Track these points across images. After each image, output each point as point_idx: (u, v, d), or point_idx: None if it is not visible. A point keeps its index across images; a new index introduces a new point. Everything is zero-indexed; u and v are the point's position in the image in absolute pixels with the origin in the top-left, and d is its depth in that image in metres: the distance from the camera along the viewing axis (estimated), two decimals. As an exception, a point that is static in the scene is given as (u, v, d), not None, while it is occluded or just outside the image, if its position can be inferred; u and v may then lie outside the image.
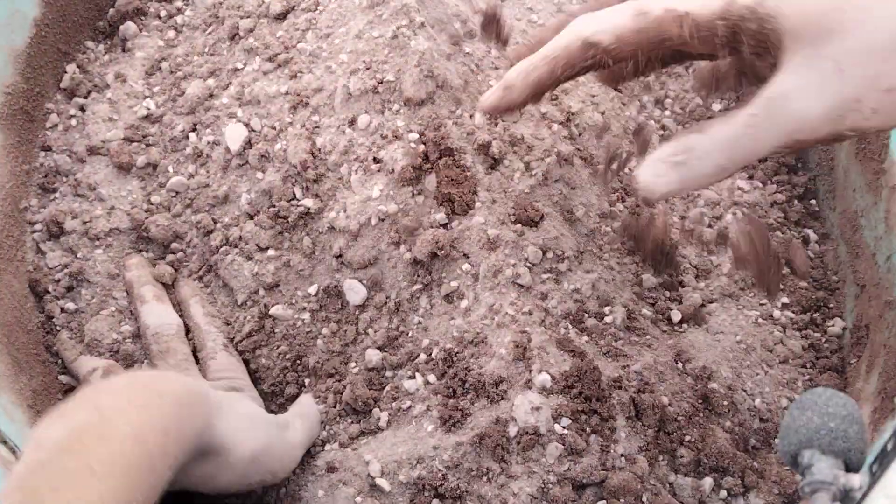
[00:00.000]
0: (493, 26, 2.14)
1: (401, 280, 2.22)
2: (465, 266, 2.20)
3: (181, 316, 2.06)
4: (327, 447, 2.13)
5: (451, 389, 2.07)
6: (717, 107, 2.83)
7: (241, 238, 2.45)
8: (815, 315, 2.39)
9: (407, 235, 2.19)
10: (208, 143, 2.62)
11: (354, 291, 2.29)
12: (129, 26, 3.05)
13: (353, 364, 2.22)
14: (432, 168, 2.27)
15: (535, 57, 1.51)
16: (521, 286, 2.16)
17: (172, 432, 1.21)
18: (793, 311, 2.41)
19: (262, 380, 2.27)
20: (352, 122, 2.42)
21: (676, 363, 2.23)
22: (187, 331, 2.10)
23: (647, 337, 2.25)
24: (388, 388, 2.16)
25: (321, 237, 2.36)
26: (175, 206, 2.61)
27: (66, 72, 2.88)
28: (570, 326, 2.15)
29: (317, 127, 2.43)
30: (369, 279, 2.25)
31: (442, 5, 2.55)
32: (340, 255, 2.33)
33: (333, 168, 2.36)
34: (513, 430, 1.97)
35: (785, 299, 2.41)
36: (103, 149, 2.72)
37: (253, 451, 1.57)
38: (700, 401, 2.14)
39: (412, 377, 2.14)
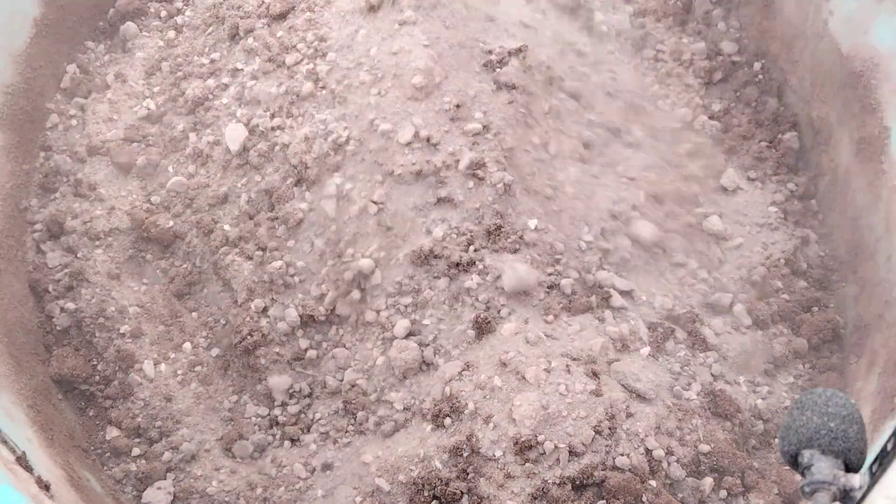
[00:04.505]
0: None
1: (400, 279, 2.23)
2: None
3: None
4: (326, 447, 2.14)
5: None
6: (716, 106, 2.83)
7: (240, 238, 2.45)
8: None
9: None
10: (208, 143, 2.63)
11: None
12: (130, 26, 3.05)
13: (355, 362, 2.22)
14: (437, 172, 2.29)
15: None
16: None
17: None
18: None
19: (262, 380, 2.28)
20: (352, 123, 2.43)
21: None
22: None
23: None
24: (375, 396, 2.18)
25: (321, 237, 2.37)
26: (175, 206, 2.61)
27: (66, 72, 2.90)
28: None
29: (318, 127, 2.43)
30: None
31: (447, 12, 2.56)
32: (340, 256, 2.33)
33: (334, 168, 2.37)
34: (512, 430, 1.98)
35: (785, 296, 2.41)
36: (103, 149, 2.73)
37: None
38: (702, 399, 2.15)
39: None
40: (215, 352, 2.31)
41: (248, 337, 2.23)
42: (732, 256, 2.46)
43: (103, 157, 2.60)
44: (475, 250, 2.17)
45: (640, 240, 2.37)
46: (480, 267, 2.16)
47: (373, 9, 2.49)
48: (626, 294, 2.25)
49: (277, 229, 2.30)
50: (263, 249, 2.29)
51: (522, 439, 1.89)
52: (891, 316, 2.12)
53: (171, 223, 2.45)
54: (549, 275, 2.19)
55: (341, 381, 2.17)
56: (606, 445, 1.91)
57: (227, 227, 2.37)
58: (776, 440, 1.86)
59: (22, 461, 1.73)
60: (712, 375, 2.19)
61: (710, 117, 2.78)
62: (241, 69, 2.60)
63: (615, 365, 2.06)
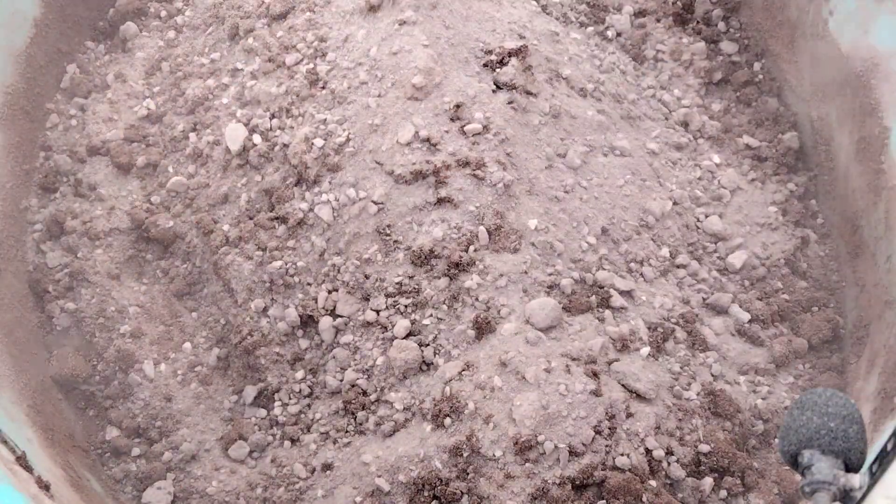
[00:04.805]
0: None
1: (400, 279, 2.23)
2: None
3: None
4: (326, 447, 2.14)
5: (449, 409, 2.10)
6: (716, 106, 2.83)
7: (240, 238, 2.45)
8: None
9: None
10: (208, 143, 2.63)
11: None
12: (130, 26, 3.05)
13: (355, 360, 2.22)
14: (437, 172, 2.29)
15: None
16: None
17: None
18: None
19: (262, 379, 2.28)
20: (352, 123, 2.43)
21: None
22: None
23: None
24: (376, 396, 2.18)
25: (321, 237, 2.37)
26: (175, 206, 2.61)
27: (66, 72, 2.90)
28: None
29: (318, 127, 2.44)
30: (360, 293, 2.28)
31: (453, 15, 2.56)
32: (340, 254, 2.34)
33: (334, 168, 2.37)
34: (512, 430, 1.98)
35: (785, 296, 2.41)
36: (103, 149, 2.73)
37: None
38: (702, 399, 2.15)
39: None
40: (215, 352, 2.31)
41: (248, 337, 2.24)
42: (732, 256, 2.46)
43: (103, 157, 2.60)
44: (475, 250, 2.17)
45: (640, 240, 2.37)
46: (480, 267, 2.16)
47: (373, 9, 2.49)
48: (626, 294, 2.25)
49: (277, 229, 2.30)
50: (263, 249, 2.29)
51: (522, 439, 1.89)
52: (891, 316, 2.12)
53: (171, 223, 2.45)
54: (549, 275, 2.20)
55: (341, 381, 2.17)
56: (606, 445, 1.92)
57: (227, 227, 2.37)
58: (776, 440, 1.86)
59: (22, 461, 1.73)
60: (712, 375, 2.19)
61: (711, 117, 2.78)
62: (241, 69, 2.60)
63: (615, 365, 2.06)
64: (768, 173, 2.66)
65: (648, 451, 1.96)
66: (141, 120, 2.68)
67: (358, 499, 1.96)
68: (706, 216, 2.53)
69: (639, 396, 2.03)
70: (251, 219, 2.36)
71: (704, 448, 2.01)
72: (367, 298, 2.20)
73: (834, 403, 1.27)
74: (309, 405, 2.20)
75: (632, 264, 2.34)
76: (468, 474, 1.92)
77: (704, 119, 2.75)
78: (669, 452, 1.98)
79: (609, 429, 1.94)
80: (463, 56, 2.43)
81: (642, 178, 2.48)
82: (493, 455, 1.91)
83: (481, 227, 2.19)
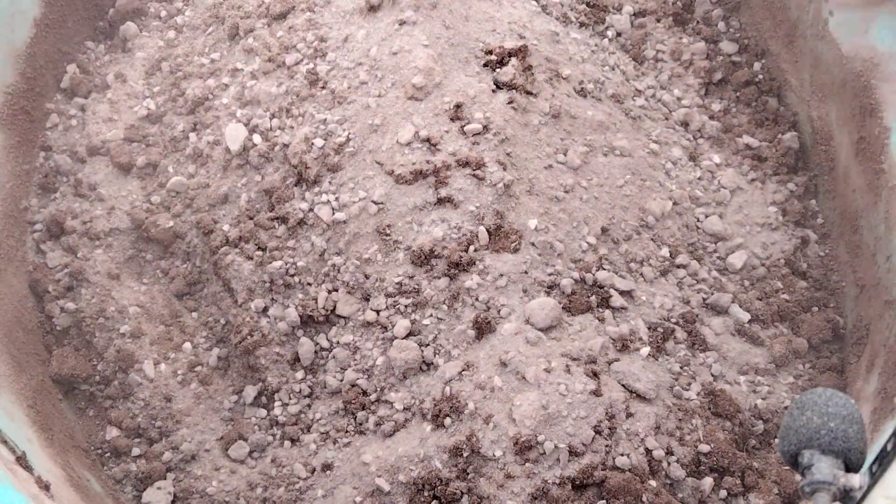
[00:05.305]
0: None
1: (400, 279, 2.23)
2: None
3: None
4: (326, 447, 2.14)
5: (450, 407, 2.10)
6: (716, 106, 2.83)
7: (240, 238, 2.45)
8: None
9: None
10: (208, 143, 2.63)
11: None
12: (130, 26, 3.05)
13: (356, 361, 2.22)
14: (437, 172, 2.29)
15: None
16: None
17: None
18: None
19: (262, 379, 2.28)
20: (352, 123, 2.44)
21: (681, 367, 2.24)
22: None
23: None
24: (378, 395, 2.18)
25: (321, 237, 2.37)
26: (175, 206, 2.61)
27: (66, 72, 2.90)
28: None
29: (318, 127, 2.44)
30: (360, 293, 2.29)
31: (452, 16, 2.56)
32: (340, 254, 2.34)
33: (334, 168, 2.37)
34: (512, 430, 1.98)
35: (785, 296, 2.41)
36: (103, 149, 2.73)
37: None
38: (702, 399, 2.15)
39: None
40: (215, 352, 2.31)
41: (248, 337, 2.23)
42: (732, 256, 2.46)
43: (103, 157, 2.60)
44: (475, 250, 2.17)
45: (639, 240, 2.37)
46: (480, 267, 2.16)
47: (373, 9, 2.49)
48: (626, 294, 2.25)
49: (277, 229, 2.31)
50: (263, 249, 2.29)
51: (522, 439, 1.89)
52: (891, 316, 2.12)
53: (171, 223, 2.45)
54: (549, 275, 2.20)
55: (341, 381, 2.17)
56: (606, 445, 1.92)
57: (227, 227, 2.37)
58: (776, 440, 1.86)
59: (22, 461, 1.73)
60: (712, 375, 2.19)
61: (711, 117, 2.78)
62: (241, 69, 2.60)
63: (615, 365, 2.07)
64: (768, 173, 2.66)
65: (648, 451, 1.96)
66: (141, 120, 2.68)
67: (358, 499, 1.96)
68: (706, 216, 2.53)
69: (639, 396, 2.03)
70: (251, 219, 2.36)
71: (704, 448, 2.01)
72: (367, 298, 2.20)
73: (834, 403, 1.27)
74: (309, 405, 2.20)
75: (632, 264, 2.34)
76: (468, 474, 1.92)
77: (704, 119, 2.75)
78: (669, 452, 1.98)
79: (609, 429, 1.94)
80: (463, 56, 2.43)
81: (642, 178, 2.48)
82: (493, 455, 1.91)
83: (481, 227, 2.19)
